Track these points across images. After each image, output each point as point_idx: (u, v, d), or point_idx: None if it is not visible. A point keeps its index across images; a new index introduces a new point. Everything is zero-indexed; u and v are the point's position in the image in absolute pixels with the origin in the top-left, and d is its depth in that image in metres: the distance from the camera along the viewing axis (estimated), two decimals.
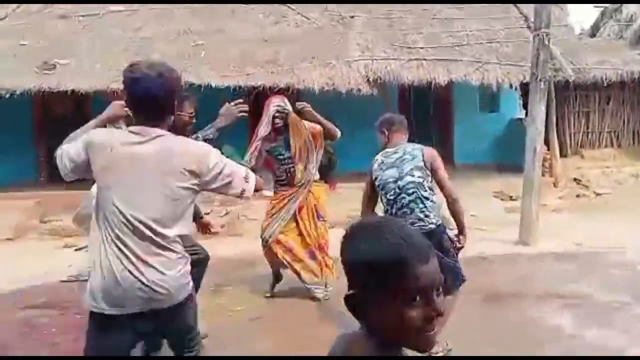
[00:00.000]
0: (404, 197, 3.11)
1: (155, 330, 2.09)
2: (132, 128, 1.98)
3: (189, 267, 2.03)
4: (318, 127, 4.33)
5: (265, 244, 4.26)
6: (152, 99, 1.93)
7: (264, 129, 4.30)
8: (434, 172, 3.21)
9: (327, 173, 8.79)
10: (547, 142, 7.46)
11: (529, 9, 8.61)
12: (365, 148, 9.10)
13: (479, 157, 10.00)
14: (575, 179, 8.70)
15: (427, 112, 10.42)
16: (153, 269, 1.89)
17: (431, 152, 3.27)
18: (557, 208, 7.72)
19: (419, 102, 10.24)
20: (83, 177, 2.02)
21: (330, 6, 9.54)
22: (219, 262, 4.25)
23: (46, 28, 9.02)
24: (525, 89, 8.06)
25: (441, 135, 10.40)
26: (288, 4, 9.45)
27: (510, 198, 7.78)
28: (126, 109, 2.13)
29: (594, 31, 11.82)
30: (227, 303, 4.28)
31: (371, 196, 3.31)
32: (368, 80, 8.10)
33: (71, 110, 8.78)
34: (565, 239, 6.14)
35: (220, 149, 2.10)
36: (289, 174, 4.38)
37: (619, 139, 9.71)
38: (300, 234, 4.27)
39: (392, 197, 3.14)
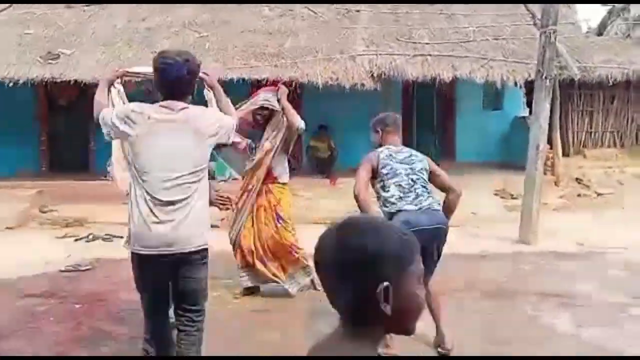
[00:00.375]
0: (418, 187, 3.28)
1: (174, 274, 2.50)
2: (162, 103, 2.45)
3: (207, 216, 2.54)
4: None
5: (234, 244, 4.24)
6: (181, 81, 2.43)
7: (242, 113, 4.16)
8: (435, 176, 3.44)
9: (327, 168, 8.88)
10: (549, 140, 7.42)
11: (536, 6, 8.57)
12: (368, 144, 9.12)
13: (482, 154, 9.98)
14: (577, 179, 8.67)
15: (430, 108, 10.38)
16: (175, 221, 2.39)
17: (431, 161, 3.53)
18: (558, 207, 7.70)
19: (422, 98, 10.20)
20: (119, 138, 2.63)
21: None
22: (219, 256, 4.24)
23: (51, 17, 9.01)
24: (529, 86, 8.03)
25: (443, 132, 10.37)
26: None
27: (512, 196, 7.77)
28: (118, 72, 2.82)
29: (601, 30, 11.75)
30: (227, 295, 4.27)
31: (367, 182, 3.36)
32: (372, 75, 8.07)
33: (74, 100, 8.79)
34: (565, 238, 6.13)
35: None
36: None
37: (622, 139, 9.67)
38: (257, 234, 4.21)
39: (406, 185, 3.26)
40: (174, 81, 2.43)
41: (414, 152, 3.47)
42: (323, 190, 8.01)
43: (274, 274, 4.19)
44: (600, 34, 11.50)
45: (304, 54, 8.31)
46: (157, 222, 2.37)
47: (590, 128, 9.60)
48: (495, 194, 8.04)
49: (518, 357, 3.25)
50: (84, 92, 7.77)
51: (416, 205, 3.21)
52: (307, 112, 9.64)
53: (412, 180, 3.28)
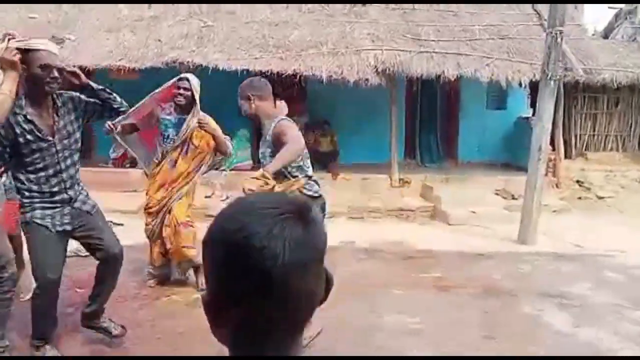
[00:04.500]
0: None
1: None
2: None
3: None
4: (212, 142, 4.00)
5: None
6: None
7: (156, 95, 4.00)
8: None
9: (330, 162, 8.87)
10: (552, 142, 7.42)
11: (543, 6, 8.53)
12: (371, 139, 9.17)
13: (484, 154, 9.97)
14: (578, 181, 8.67)
15: (434, 106, 10.37)
16: None
17: None
18: (558, 209, 7.70)
19: (426, 95, 10.19)
20: None
21: None
22: None
23: (57, 3, 8.97)
24: (534, 86, 8.01)
25: (446, 131, 10.36)
26: None
27: (512, 197, 7.77)
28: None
29: (607, 33, 11.70)
30: None
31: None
32: (377, 70, 8.05)
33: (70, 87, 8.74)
34: (564, 240, 6.15)
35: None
36: (163, 157, 4.04)
37: (625, 143, 9.65)
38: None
39: (309, 166, 3.25)
40: None
41: None
42: (324, 185, 7.99)
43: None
44: (606, 37, 11.46)
45: (309, 46, 8.28)
46: None
47: (594, 131, 9.59)
48: (496, 194, 8.04)
49: (519, 357, 3.27)
50: (87, 78, 7.75)
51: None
52: (310, 105, 9.69)
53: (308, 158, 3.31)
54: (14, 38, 2.56)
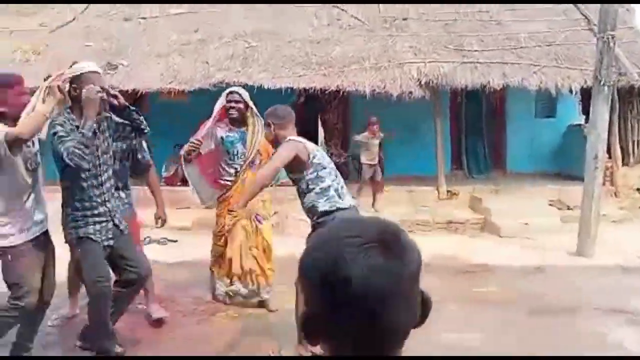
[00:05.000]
0: (340, 181, 3.24)
1: None
2: None
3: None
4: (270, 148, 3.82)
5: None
6: None
7: (209, 123, 3.91)
8: None
9: (374, 175, 8.78)
10: (608, 149, 7.11)
11: (592, 10, 8.27)
12: (416, 151, 9.08)
13: (534, 164, 9.67)
14: (638, 189, 8.26)
15: (480, 116, 10.18)
16: None
17: None
18: (617, 219, 7.35)
19: (471, 106, 10.02)
20: None
21: (383, 8, 9.49)
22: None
23: (110, 30, 9.44)
24: (585, 93, 7.73)
25: (493, 141, 10.13)
26: (339, 4, 9.47)
27: (568, 207, 7.48)
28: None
29: None
30: (279, 302, 4.25)
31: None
32: (420, 83, 8.00)
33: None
34: (626, 251, 5.84)
35: None
36: (236, 175, 3.93)
37: None
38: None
39: (333, 179, 3.20)
40: None
41: None
42: (369, 198, 7.96)
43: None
44: None
45: (351, 62, 8.33)
46: None
47: None
48: (550, 205, 7.77)
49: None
50: (138, 100, 8.08)
51: (346, 201, 3.17)
52: (354, 120, 9.71)
53: (335, 172, 3.24)
54: (63, 74, 2.89)
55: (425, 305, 0.77)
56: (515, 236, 6.69)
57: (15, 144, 2.74)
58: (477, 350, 3.46)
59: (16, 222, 2.88)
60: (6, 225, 2.86)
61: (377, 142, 8.02)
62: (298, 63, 8.39)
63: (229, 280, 4.10)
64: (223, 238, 4.03)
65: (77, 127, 2.83)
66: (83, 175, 2.88)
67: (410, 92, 7.88)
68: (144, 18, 9.64)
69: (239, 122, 3.95)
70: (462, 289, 4.72)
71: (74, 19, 9.49)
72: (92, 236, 2.91)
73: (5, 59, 8.33)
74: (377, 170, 8.01)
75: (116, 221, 3.03)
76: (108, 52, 9.00)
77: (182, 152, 3.98)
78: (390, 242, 0.73)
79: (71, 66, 2.85)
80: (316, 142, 9.95)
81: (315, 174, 3.15)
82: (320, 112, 9.62)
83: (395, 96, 7.87)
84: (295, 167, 3.17)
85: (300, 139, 3.26)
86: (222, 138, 3.97)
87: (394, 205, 7.71)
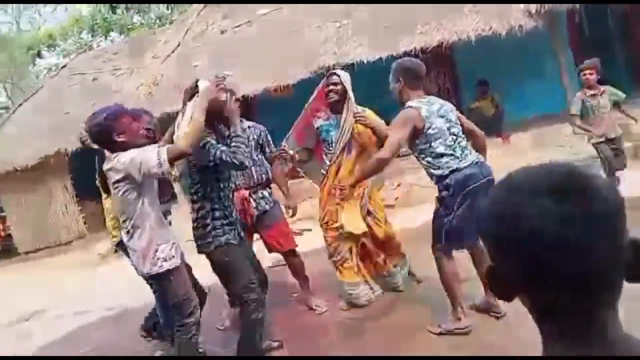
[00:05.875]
0: (461, 141, 3.19)
1: None
2: None
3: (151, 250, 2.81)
4: (373, 137, 3.72)
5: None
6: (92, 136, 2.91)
7: (310, 106, 3.83)
8: (463, 121, 3.32)
9: (497, 126, 8.26)
10: None
11: None
12: (540, 89, 8.29)
13: None
14: None
15: (608, 30, 8.95)
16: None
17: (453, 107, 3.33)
18: None
19: (593, 21, 8.84)
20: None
21: None
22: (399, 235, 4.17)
23: (211, 46, 10.01)
24: None
25: (633, 55, 8.83)
26: None
27: None
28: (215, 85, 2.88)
29: None
30: (422, 272, 4.04)
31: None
32: (529, 12, 7.25)
33: (242, 114, 9.60)
34: None
35: None
36: (332, 164, 3.79)
37: None
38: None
39: (450, 142, 3.14)
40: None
41: (439, 100, 3.29)
42: (496, 150, 7.46)
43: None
44: None
45: (448, 11, 7.84)
46: None
47: None
48: None
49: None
50: (249, 105, 8.47)
51: (466, 160, 3.11)
52: (462, 73, 9.15)
53: (454, 134, 3.16)
54: (224, 79, 3.01)
55: (637, 253, 0.68)
56: None
57: (179, 159, 2.78)
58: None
59: (171, 241, 2.89)
60: (167, 246, 2.85)
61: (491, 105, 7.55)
62: (392, 28, 8.11)
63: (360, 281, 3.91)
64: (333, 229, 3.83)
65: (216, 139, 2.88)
66: (222, 185, 2.92)
67: (520, 25, 7.18)
68: (237, 26, 10.05)
69: (336, 107, 3.79)
70: None
71: (178, 45, 10.21)
72: (233, 241, 2.94)
73: (132, 95, 9.27)
74: None
75: (239, 229, 3.06)
76: (214, 66, 9.55)
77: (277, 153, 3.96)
78: (579, 185, 0.68)
79: (195, 86, 2.81)
80: None
81: (428, 144, 3.13)
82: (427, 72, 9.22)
83: (504, 34, 7.23)
84: (409, 138, 3.13)
85: (419, 103, 3.15)
86: (318, 128, 3.87)
87: (523, 152, 7.13)
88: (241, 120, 3.16)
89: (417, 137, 3.12)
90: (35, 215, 9.37)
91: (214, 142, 2.81)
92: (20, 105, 11.17)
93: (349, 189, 3.64)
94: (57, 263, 8.47)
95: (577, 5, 7.26)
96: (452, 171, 3.06)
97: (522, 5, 7.32)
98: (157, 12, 18.25)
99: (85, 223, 9.52)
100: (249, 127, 3.89)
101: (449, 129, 3.15)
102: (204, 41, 10.23)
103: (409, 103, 3.15)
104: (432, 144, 3.10)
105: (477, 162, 3.12)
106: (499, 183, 0.75)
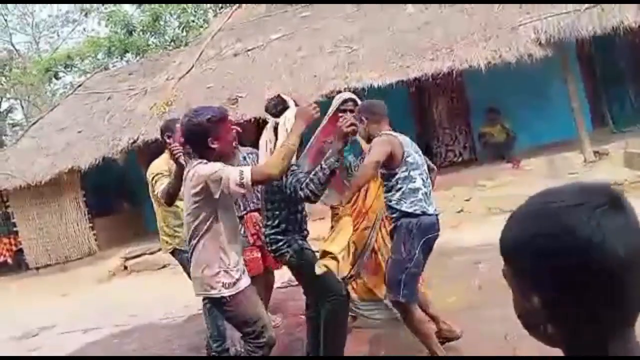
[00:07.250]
0: (429, 185, 3.11)
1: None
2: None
3: (213, 271, 2.55)
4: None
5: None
6: (187, 140, 2.66)
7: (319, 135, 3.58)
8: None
9: (506, 152, 8.31)
10: None
11: None
12: (550, 116, 8.35)
13: None
14: None
15: (616, 61, 9.04)
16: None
17: None
18: None
19: (602, 52, 8.95)
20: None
21: None
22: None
23: (224, 68, 10.20)
24: None
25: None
26: None
27: None
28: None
29: None
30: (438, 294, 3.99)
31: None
32: (539, 42, 7.36)
33: (255, 136, 9.72)
34: None
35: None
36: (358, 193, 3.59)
37: None
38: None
39: (425, 178, 3.08)
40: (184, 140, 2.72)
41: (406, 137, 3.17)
42: (507, 176, 7.52)
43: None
44: None
45: (458, 39, 7.97)
46: None
47: None
48: None
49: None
50: (262, 128, 8.58)
51: (432, 206, 3.04)
52: (472, 99, 9.25)
53: (425, 172, 3.09)
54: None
55: None
56: None
57: (264, 183, 2.69)
58: None
59: (240, 264, 2.67)
60: (232, 271, 2.58)
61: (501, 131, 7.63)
62: (403, 54, 8.25)
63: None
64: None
65: None
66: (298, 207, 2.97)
67: (530, 55, 7.29)
68: (250, 50, 10.26)
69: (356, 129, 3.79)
70: None
71: (192, 67, 10.42)
72: (307, 245, 2.97)
73: (146, 115, 9.45)
74: None
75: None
76: (226, 88, 9.73)
77: None
78: (620, 200, 0.68)
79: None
80: (434, 129, 9.67)
81: (407, 172, 2.99)
82: (436, 98, 9.34)
83: (513, 63, 7.34)
84: (387, 163, 2.99)
85: (396, 133, 3.12)
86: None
87: (534, 178, 7.16)
88: (237, 147, 3.13)
89: (396, 165, 2.99)
90: (47, 231, 9.48)
91: (294, 167, 2.76)
92: (36, 122, 11.42)
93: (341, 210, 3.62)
94: (67, 279, 8.53)
95: (587, 35, 7.35)
96: (424, 213, 2.96)
97: (532, 35, 7.43)
98: (172, 35, 18.65)
99: (96, 240, 9.61)
100: (247, 153, 3.95)
101: (422, 165, 3.09)
102: (217, 63, 10.44)
103: (382, 132, 3.10)
104: (412, 173, 2.98)
105: (436, 215, 3.06)
106: (524, 209, 0.73)
